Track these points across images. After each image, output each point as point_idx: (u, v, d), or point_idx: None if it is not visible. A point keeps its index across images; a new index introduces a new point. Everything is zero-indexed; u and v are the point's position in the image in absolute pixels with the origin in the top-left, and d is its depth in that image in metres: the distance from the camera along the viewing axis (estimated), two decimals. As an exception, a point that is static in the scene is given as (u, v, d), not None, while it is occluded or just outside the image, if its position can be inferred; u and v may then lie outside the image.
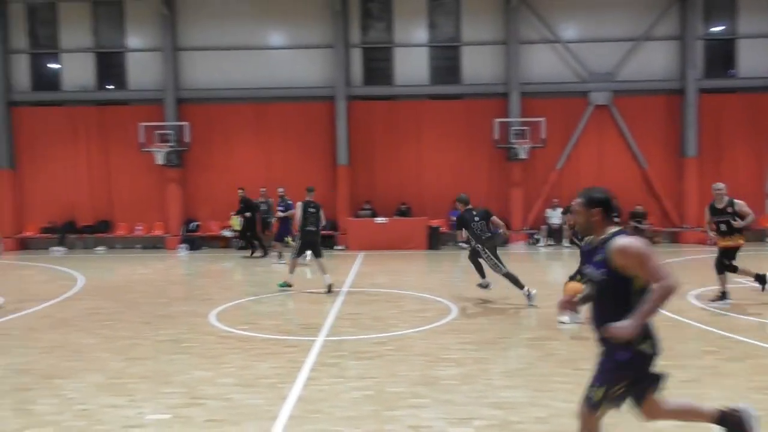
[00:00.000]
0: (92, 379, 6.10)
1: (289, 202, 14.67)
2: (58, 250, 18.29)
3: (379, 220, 17.86)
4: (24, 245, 19.13)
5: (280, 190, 15.48)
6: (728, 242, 9.08)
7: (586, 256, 3.56)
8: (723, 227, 9.02)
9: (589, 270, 3.49)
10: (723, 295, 9.13)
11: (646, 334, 3.34)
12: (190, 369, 6.39)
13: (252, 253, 16.35)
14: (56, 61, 19.34)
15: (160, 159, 18.11)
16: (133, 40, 19.16)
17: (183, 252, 17.92)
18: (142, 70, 19.05)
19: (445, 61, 19.15)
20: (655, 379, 3.50)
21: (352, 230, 17.89)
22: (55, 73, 19.35)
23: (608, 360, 3.42)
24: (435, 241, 17.56)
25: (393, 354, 6.89)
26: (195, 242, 18.55)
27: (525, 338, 7.56)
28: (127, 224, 19.16)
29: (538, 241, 18.39)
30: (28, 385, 5.96)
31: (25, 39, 19.15)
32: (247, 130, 18.99)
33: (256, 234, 16.48)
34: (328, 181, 18.74)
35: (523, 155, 18.10)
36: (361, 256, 16.27)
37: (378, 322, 8.40)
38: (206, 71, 18.93)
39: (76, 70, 19.16)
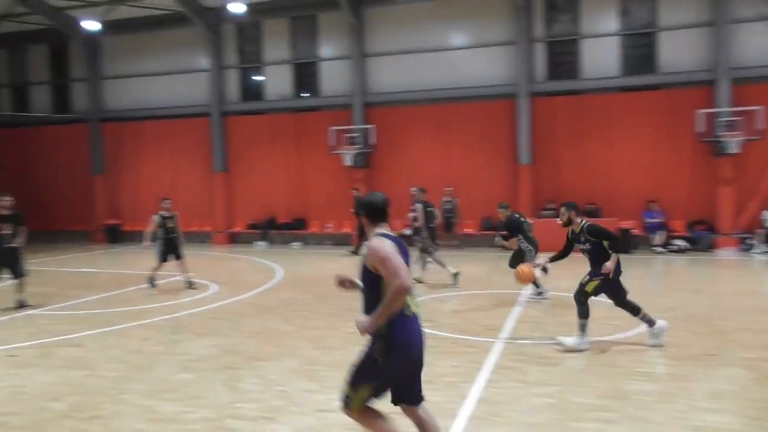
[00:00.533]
0: (289, 364, 6.62)
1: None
2: (260, 245, 20.24)
3: (564, 220, 17.03)
4: (233, 239, 21.45)
5: (413, 189, 15.51)
6: None
7: None
8: None
9: None
10: None
11: (384, 338, 3.55)
12: (374, 361, 6.65)
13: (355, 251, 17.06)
14: (260, 74, 21.44)
15: (348, 160, 19.19)
16: (325, 50, 20.53)
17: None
18: (333, 77, 20.33)
19: (639, 50, 17.72)
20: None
21: (534, 231, 17.30)
22: (259, 85, 21.45)
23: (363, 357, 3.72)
24: (626, 244, 16.36)
25: (578, 362, 6.53)
26: (379, 240, 19.32)
27: (738, 357, 6.67)
28: (319, 222, 20.59)
29: (752, 246, 16.22)
30: (236, 365, 6.65)
31: (235, 56, 21.48)
32: (430, 130, 19.33)
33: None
34: (509, 180, 18.38)
35: (734, 149, 16.10)
36: (544, 258, 15.69)
37: (561, 327, 8.01)
38: (391, 75, 19.64)
39: (276, 81, 21.05)
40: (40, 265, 15.76)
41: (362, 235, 17.79)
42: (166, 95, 21.93)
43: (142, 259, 17.09)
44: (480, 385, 5.76)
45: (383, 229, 3.77)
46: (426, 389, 5.68)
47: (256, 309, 9.79)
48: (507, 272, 10.76)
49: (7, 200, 9.85)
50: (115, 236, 22.21)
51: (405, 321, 3.61)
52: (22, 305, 9.90)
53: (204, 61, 21.42)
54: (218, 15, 20.52)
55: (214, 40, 20.98)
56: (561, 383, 5.80)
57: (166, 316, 9.22)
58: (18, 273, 9.89)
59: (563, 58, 18.39)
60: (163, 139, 22.09)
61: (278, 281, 12.66)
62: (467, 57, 18.94)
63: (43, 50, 23.66)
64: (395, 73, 19.55)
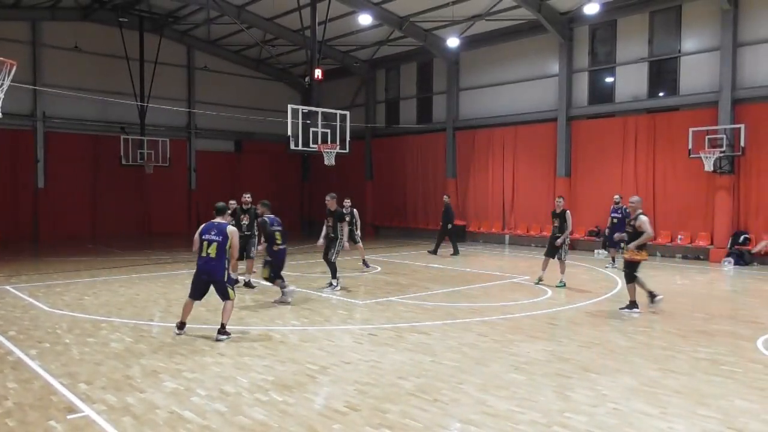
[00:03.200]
0: (625, 382, 6.21)
1: (627, 209, 14.82)
2: (600, 253, 19.33)
3: None
4: (572, 246, 20.95)
5: (616, 197, 16.19)
6: None
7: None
8: None
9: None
10: None
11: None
12: (730, 395, 5.78)
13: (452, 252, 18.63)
14: (611, 75, 20.50)
15: (708, 165, 16.99)
16: (687, 43, 18.52)
17: (728, 266, 16.36)
18: (695, 73, 18.22)
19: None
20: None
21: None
22: (609, 86, 20.53)
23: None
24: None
25: None
26: (743, 257, 16.65)
27: None
28: (668, 232, 18.72)
29: None
30: (567, 373, 6.52)
31: (586, 58, 20.99)
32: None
33: (443, 237, 19.21)
34: None
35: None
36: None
37: None
38: (769, 65, 16.69)
39: (628, 81, 19.82)
40: (399, 258, 18.04)
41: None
42: (514, 102, 22.72)
43: (483, 259, 18.15)
44: None
45: (216, 219, 7.95)
46: None
47: (593, 319, 9.44)
48: None
49: (332, 197, 12.00)
50: (461, 236, 23.95)
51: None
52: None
53: (554, 67, 21.49)
54: (572, 19, 20.38)
55: (565, 44, 20.85)
56: None
57: (504, 316, 9.57)
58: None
59: None
60: (508, 145, 22.93)
61: (617, 292, 11.96)
62: None
63: (411, 68, 26.97)
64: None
